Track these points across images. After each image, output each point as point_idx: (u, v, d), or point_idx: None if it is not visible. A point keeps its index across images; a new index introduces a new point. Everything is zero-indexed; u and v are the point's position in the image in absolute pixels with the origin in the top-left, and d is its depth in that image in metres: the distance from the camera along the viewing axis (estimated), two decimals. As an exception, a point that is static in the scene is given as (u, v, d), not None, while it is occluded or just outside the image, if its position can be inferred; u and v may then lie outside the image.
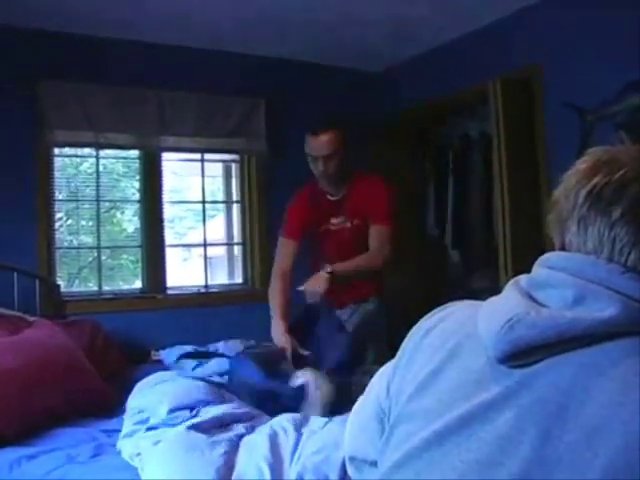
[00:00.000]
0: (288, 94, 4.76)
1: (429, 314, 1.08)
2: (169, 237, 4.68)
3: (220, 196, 5.04)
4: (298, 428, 2.17)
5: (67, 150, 4.33)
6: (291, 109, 4.75)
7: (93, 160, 4.36)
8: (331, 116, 3.82)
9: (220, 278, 5.07)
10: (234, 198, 4.92)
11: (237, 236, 4.91)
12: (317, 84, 4.88)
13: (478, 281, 4.76)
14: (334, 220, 3.36)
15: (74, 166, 4.46)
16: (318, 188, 3.40)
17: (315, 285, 2.97)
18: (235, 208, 4.92)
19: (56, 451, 2.25)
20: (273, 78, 4.74)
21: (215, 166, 4.98)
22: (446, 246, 5.03)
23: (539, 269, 0.93)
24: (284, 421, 2.20)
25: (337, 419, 2.19)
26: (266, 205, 4.72)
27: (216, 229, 5.18)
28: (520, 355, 0.83)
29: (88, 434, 2.49)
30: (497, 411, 0.83)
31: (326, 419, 2.25)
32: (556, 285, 0.87)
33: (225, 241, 5.04)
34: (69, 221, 4.45)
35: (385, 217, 3.26)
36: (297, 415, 2.28)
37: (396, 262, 5.02)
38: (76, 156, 4.43)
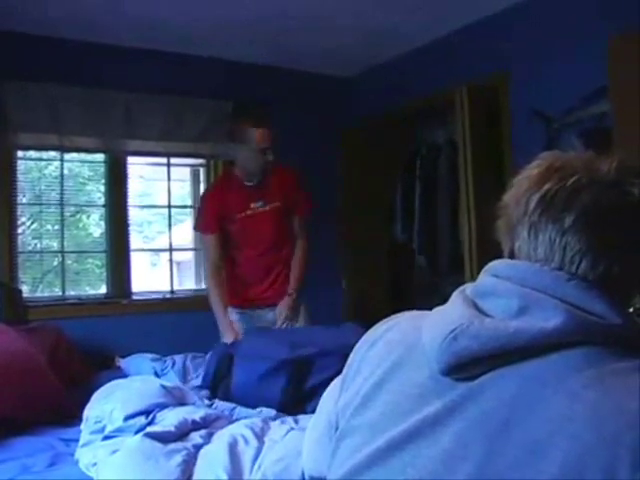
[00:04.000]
0: (256, 98, 4.73)
1: (376, 325, 1.06)
2: (138, 241, 4.65)
3: (188, 200, 5.00)
4: (259, 437, 2.15)
5: (31, 153, 4.26)
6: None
7: (58, 163, 4.30)
8: (266, 109, 4.23)
9: (189, 283, 5.03)
10: (201, 203, 4.87)
11: (205, 241, 4.86)
12: (286, 89, 4.87)
13: (445, 286, 4.77)
14: (253, 205, 3.62)
15: (38, 169, 4.40)
16: (233, 178, 3.70)
17: (291, 312, 3.63)
18: (202, 213, 4.87)
19: (11, 461, 2.19)
20: (241, 82, 4.71)
21: (183, 170, 4.95)
22: (413, 252, 5.03)
23: (484, 277, 0.90)
24: (244, 428, 2.17)
25: (298, 428, 2.18)
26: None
27: (185, 234, 5.13)
28: (464, 367, 0.81)
29: (46, 443, 2.43)
30: (441, 426, 0.81)
31: (288, 427, 2.23)
32: (501, 294, 0.85)
33: (193, 246, 5.00)
34: (33, 225, 4.39)
35: (308, 208, 3.77)
36: (258, 422, 2.26)
37: (363, 267, 5.08)
38: (40, 159, 4.36)
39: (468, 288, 0.92)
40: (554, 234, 0.85)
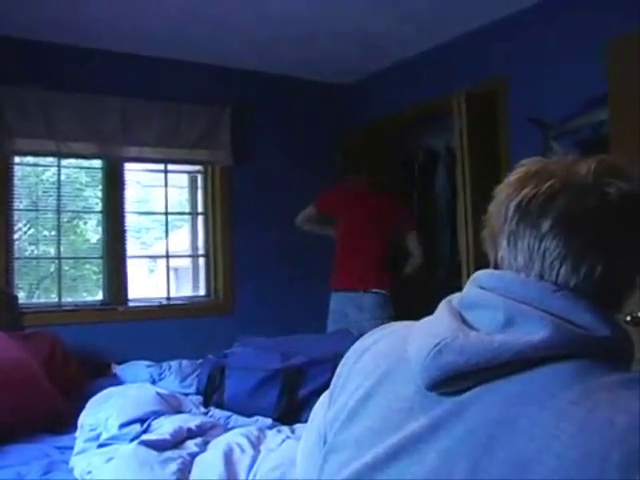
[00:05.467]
0: (254, 105, 4.74)
1: (364, 336, 1.04)
2: (136, 247, 4.64)
3: (186, 207, 5.00)
4: (255, 445, 2.14)
5: (29, 159, 4.26)
6: (258, 120, 4.74)
7: (55, 169, 4.29)
8: None
9: (186, 289, 5.02)
10: (199, 209, 4.88)
11: (202, 248, 4.86)
12: (283, 95, 4.88)
13: (443, 296, 4.75)
14: None
15: (35, 175, 4.39)
16: None
17: None
18: (200, 219, 4.88)
19: (5, 469, 2.19)
20: (239, 89, 4.72)
21: (181, 177, 4.94)
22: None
23: (470, 288, 0.88)
24: (240, 437, 2.16)
25: (294, 437, 2.17)
26: (230, 217, 4.69)
27: (182, 240, 5.13)
28: (449, 382, 0.79)
29: (41, 451, 2.42)
30: (427, 443, 0.79)
31: (284, 436, 2.22)
32: (486, 306, 0.83)
33: (190, 252, 4.99)
34: (30, 231, 4.37)
35: None
36: (253, 431, 2.25)
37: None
38: (37, 165, 4.35)
39: (455, 299, 0.90)
40: (532, 241, 0.83)
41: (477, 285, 0.87)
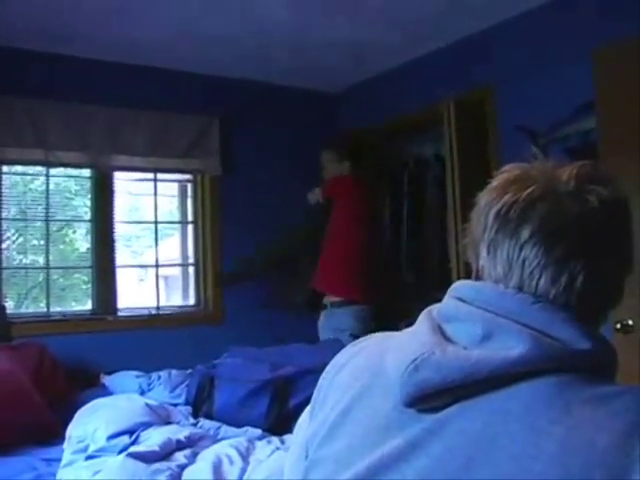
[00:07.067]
0: (242, 114, 4.73)
1: (345, 348, 1.02)
2: (126, 256, 4.62)
3: (177, 215, 4.98)
4: (244, 457, 2.13)
5: (17, 168, 4.23)
6: (246, 129, 4.74)
7: (44, 178, 4.26)
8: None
9: (177, 298, 5.00)
10: (189, 218, 4.86)
11: (191, 256, 4.85)
12: (272, 104, 4.87)
13: (432, 303, 4.74)
14: None
15: (24, 184, 4.36)
16: None
17: None
18: (190, 228, 4.86)
19: (-9, 482, 2.17)
20: (228, 98, 4.71)
21: (171, 185, 4.93)
22: (401, 267, 5.01)
23: (448, 299, 0.86)
24: (229, 448, 2.15)
25: (284, 448, 2.15)
26: (219, 226, 4.68)
27: (173, 249, 5.11)
28: (426, 399, 0.77)
29: (28, 463, 2.40)
30: (406, 462, 0.77)
31: (273, 447, 2.21)
32: (464, 319, 0.81)
33: (180, 261, 4.97)
34: (19, 240, 4.34)
35: None
36: (243, 442, 2.23)
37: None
38: (26, 174, 4.32)
39: (434, 310, 0.87)
40: (511, 250, 0.81)
41: (456, 296, 0.85)
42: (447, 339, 0.81)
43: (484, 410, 0.74)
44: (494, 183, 0.87)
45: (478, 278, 0.88)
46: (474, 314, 0.81)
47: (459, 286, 0.87)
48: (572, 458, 0.66)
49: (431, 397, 0.77)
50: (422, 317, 0.88)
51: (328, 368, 1.01)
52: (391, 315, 4.17)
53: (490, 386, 0.74)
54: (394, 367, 0.82)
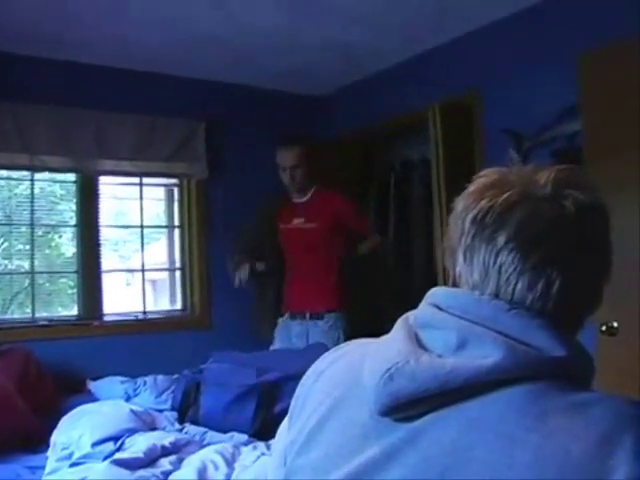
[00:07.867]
0: (229, 117, 4.73)
1: (324, 355, 1.01)
2: (113, 260, 4.60)
3: (163, 219, 4.96)
4: (229, 462, 2.12)
5: (2, 172, 4.20)
6: (232, 133, 4.73)
7: (29, 183, 4.24)
8: (299, 132, 4.37)
9: (164, 302, 4.98)
10: (175, 222, 4.84)
11: (178, 261, 4.83)
12: (258, 108, 4.87)
13: (417, 305, 4.74)
14: (296, 220, 3.96)
15: (9, 189, 4.34)
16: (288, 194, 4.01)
17: None
18: (177, 232, 4.84)
19: (-26, 490, 2.15)
20: (214, 101, 4.70)
21: (158, 189, 4.91)
22: (387, 270, 5.01)
23: (425, 306, 0.86)
24: (214, 454, 2.14)
25: (270, 453, 2.14)
26: (206, 230, 4.66)
27: (160, 253, 5.09)
28: (401, 408, 0.76)
29: (11, 471, 2.38)
30: (383, 471, 0.76)
31: (259, 453, 2.20)
32: (439, 326, 0.81)
33: (167, 266, 4.95)
34: (4, 245, 4.32)
35: (367, 226, 4.13)
36: (228, 448, 2.22)
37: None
38: (10, 179, 4.30)
39: (411, 317, 0.87)
40: (488, 256, 0.80)
41: (432, 303, 0.85)
42: (422, 347, 0.80)
43: (459, 419, 0.73)
44: (471, 188, 0.86)
45: (455, 284, 0.88)
46: (449, 321, 0.80)
47: (435, 292, 0.87)
48: (547, 467, 0.66)
49: (406, 406, 0.76)
50: (399, 324, 0.87)
51: (308, 374, 1.00)
52: (374, 319, 4.16)
53: (465, 395, 0.74)
54: (369, 377, 0.81)
